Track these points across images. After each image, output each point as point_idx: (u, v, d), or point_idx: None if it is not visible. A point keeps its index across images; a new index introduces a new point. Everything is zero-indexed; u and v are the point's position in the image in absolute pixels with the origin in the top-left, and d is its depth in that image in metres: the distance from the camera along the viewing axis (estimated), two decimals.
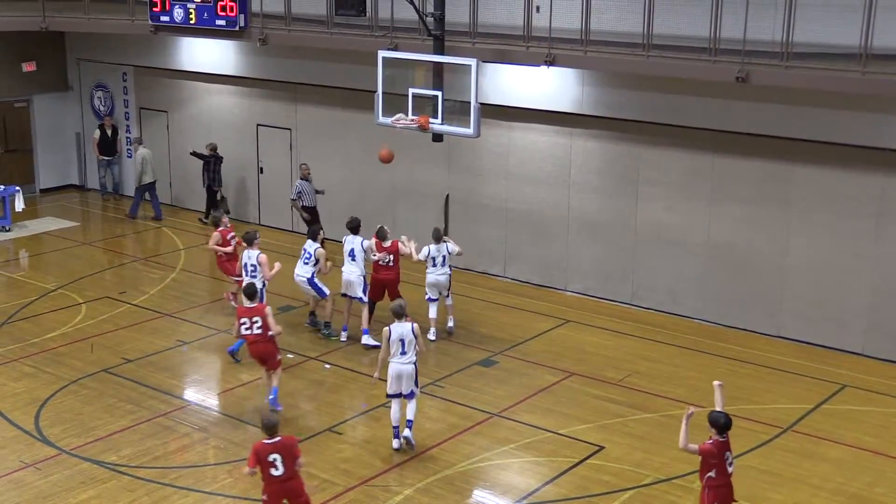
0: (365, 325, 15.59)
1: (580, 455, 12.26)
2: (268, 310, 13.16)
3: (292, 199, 20.04)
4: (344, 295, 15.72)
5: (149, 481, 11.65)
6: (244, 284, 14.15)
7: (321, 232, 15.93)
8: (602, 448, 12.44)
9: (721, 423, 9.63)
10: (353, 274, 15.54)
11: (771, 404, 13.74)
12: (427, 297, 15.82)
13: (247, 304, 13.28)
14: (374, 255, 15.52)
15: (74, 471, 11.90)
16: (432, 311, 15.81)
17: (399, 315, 12.31)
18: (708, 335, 16.26)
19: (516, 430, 12.97)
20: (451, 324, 16.13)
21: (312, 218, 19.41)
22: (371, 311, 15.86)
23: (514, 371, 14.85)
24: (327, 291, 15.77)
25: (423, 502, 11.30)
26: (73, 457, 12.23)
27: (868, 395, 14.06)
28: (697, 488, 11.40)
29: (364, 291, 15.57)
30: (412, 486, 11.61)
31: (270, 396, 13.31)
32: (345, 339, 15.77)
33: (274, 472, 9.78)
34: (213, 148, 22.03)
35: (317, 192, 19.91)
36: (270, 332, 13.00)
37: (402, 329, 12.23)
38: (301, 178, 19.84)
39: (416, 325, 12.38)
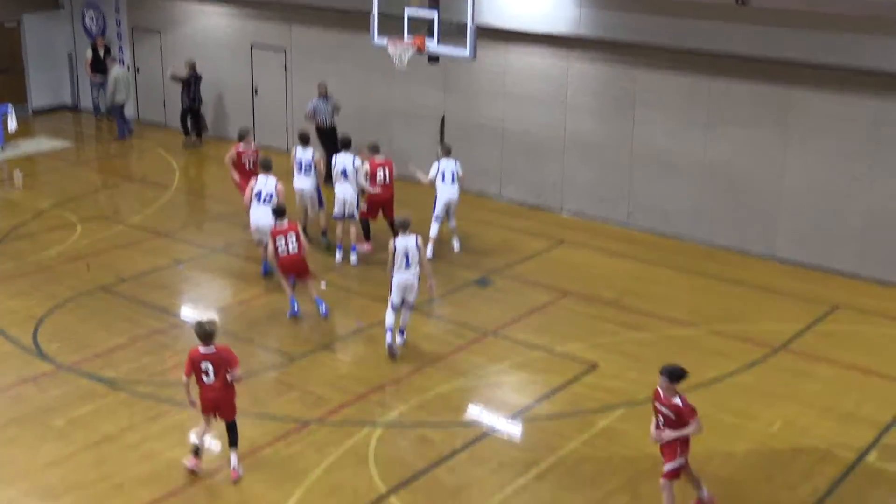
0: (354, 242, 15.58)
1: (574, 373, 12.29)
2: (298, 226, 13.66)
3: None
4: (337, 217, 15.59)
5: (146, 397, 11.65)
6: (274, 205, 13.96)
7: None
8: (596, 366, 12.47)
9: (678, 374, 8.99)
10: (346, 192, 15.41)
11: (764, 324, 13.76)
12: (435, 215, 15.77)
13: (279, 223, 13.47)
14: (369, 187, 15.41)
15: (73, 386, 11.88)
16: (433, 231, 15.83)
17: (404, 227, 12.44)
18: (703, 256, 16.21)
19: (511, 348, 12.99)
20: (457, 245, 16.12)
21: (329, 139, 18.93)
22: (366, 231, 15.83)
23: (508, 291, 14.84)
24: (324, 203, 15.92)
25: (418, 418, 11.32)
26: (72, 372, 12.20)
27: (860, 315, 14.06)
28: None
29: (357, 208, 15.50)
30: (407, 402, 11.64)
31: (322, 309, 13.57)
32: (339, 260, 15.70)
33: (205, 379, 9.82)
34: (192, 66, 21.57)
35: (335, 109, 19.34)
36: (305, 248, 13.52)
37: (406, 242, 12.36)
38: (318, 96, 19.28)
39: (419, 237, 12.51)
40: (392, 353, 12.54)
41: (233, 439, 10.12)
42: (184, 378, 9.98)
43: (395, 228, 12.42)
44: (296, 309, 13.61)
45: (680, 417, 8.93)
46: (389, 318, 12.58)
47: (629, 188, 17.36)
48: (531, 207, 18.40)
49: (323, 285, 14.79)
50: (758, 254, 16.15)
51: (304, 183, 15.89)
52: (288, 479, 10.08)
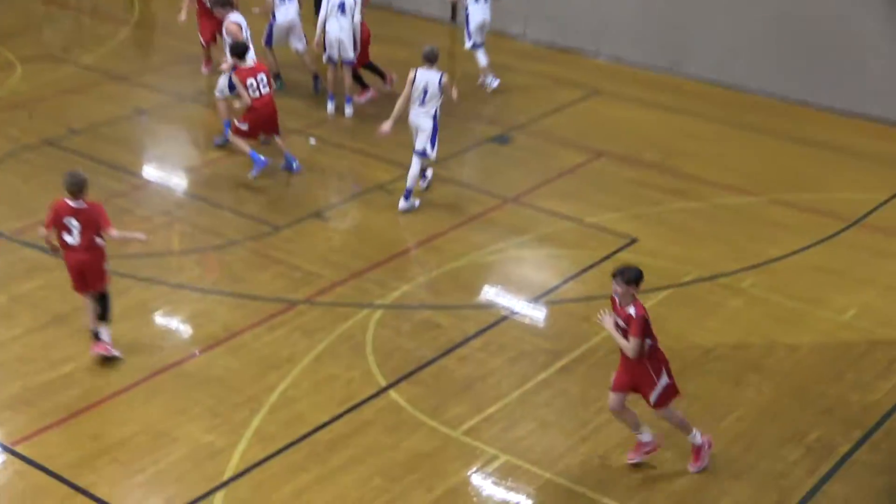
0: (349, 93, 15.29)
1: (608, 248, 12.16)
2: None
3: None
4: (329, 60, 15.19)
5: None
6: (240, 41, 13.72)
7: None
8: (635, 240, 12.34)
9: (635, 276, 8.39)
10: (343, 31, 14.95)
11: (839, 192, 13.53)
12: (472, 42, 15.87)
13: (244, 64, 13.35)
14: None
15: (16, 257, 11.78)
16: (482, 59, 16.01)
17: (430, 60, 12.50)
18: (764, 110, 15.89)
19: (534, 217, 12.87)
20: (493, 81, 16.23)
21: None
22: (376, 74, 15.75)
23: (532, 150, 14.63)
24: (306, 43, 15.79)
25: (423, 299, 11.23)
26: (14, 241, 12.07)
27: None
28: (747, 287, 11.41)
29: (355, 50, 15.09)
30: (411, 280, 11.52)
31: (294, 164, 13.57)
32: (331, 112, 15.41)
33: (68, 238, 9.73)
34: None
35: None
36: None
37: (428, 76, 12.45)
38: None
39: (446, 75, 12.55)
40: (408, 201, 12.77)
41: (103, 313, 10.02)
42: (41, 231, 9.90)
43: (423, 59, 12.49)
44: (263, 160, 13.31)
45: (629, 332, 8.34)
46: (412, 170, 12.73)
47: (677, 27, 16.91)
48: (560, 50, 18.00)
49: (312, 141, 14.55)
50: (832, 108, 15.82)
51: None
52: (271, 368, 10.03)
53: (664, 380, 8.48)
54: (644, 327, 8.27)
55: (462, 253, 12.08)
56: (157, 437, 9.06)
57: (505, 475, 8.73)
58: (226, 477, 8.61)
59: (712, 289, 11.45)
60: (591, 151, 14.55)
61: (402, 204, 12.76)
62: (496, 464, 8.85)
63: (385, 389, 9.78)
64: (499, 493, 8.59)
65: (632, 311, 8.30)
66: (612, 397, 8.61)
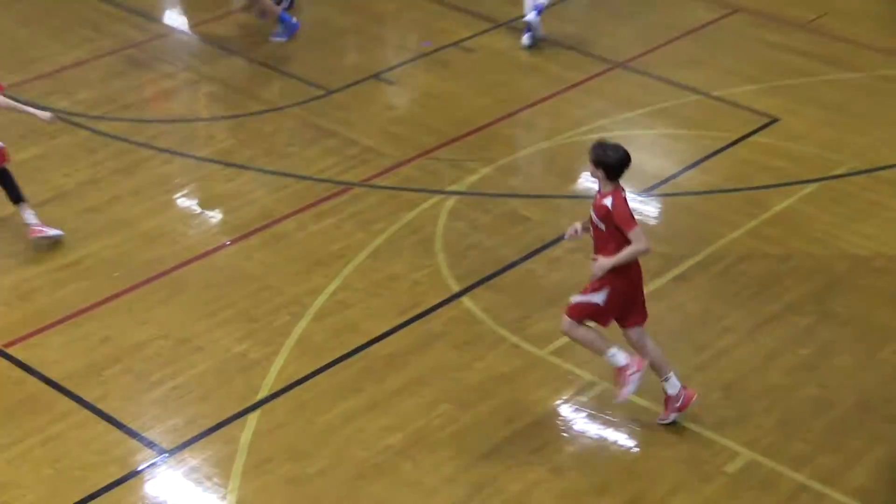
0: None
1: (741, 129, 12.05)
2: None
3: None
4: None
5: (116, 138, 11.62)
6: None
7: None
8: (775, 120, 12.21)
9: (615, 160, 7.82)
10: None
11: None
12: None
13: None
14: None
15: (9, 119, 11.74)
16: None
17: None
18: None
19: (648, 86, 12.80)
20: None
21: None
22: None
23: (648, 1, 14.60)
24: None
25: (507, 186, 11.20)
26: (9, 99, 12.13)
27: None
28: None
29: None
30: (492, 162, 11.46)
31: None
32: None
33: None
34: None
35: None
36: None
37: None
38: None
39: None
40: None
41: (12, 194, 9.98)
42: None
43: None
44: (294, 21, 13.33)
45: (605, 230, 7.91)
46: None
47: None
48: None
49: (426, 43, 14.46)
50: None
51: None
52: (318, 265, 10.04)
53: (596, 298, 8.02)
54: (629, 214, 7.77)
55: (557, 129, 12.05)
56: (179, 344, 9.13)
57: (602, 406, 8.63)
58: (260, 395, 8.66)
59: (870, 184, 11.27)
60: (724, 5, 14.46)
61: (524, 40, 13.08)
62: (592, 392, 8.78)
63: (457, 296, 9.75)
64: (594, 427, 8.51)
65: (608, 201, 7.84)
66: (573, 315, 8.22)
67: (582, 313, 8.09)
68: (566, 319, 8.11)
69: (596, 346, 8.15)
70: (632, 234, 7.78)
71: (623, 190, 7.84)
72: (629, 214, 7.80)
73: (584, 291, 8.08)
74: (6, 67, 12.61)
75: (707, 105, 12.48)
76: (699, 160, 11.63)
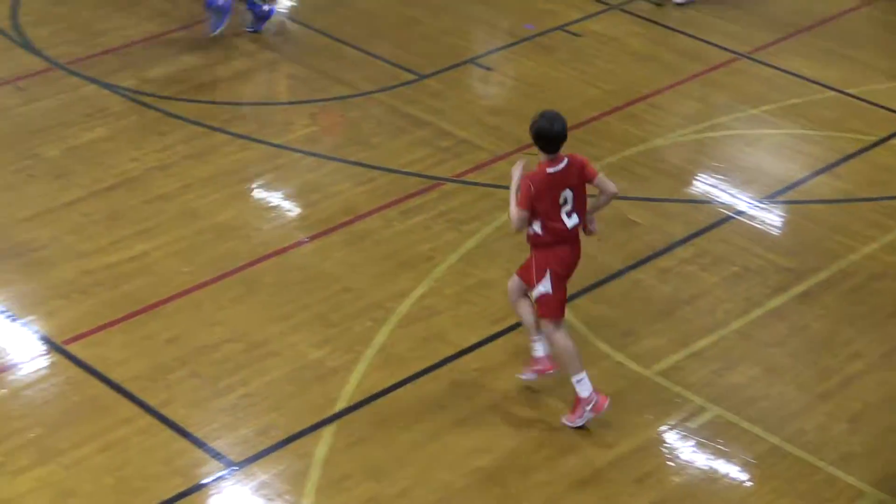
0: None
1: (879, 131, 12.00)
2: None
3: None
4: None
5: (190, 122, 11.77)
6: None
7: None
8: None
9: (552, 133, 8.18)
10: None
11: None
12: None
13: None
14: None
15: (75, 96, 12.06)
16: None
17: None
18: None
19: (775, 82, 12.77)
20: None
21: None
22: None
23: None
24: None
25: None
26: (73, 75, 12.38)
27: None
28: None
29: None
30: (599, 159, 11.35)
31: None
32: None
33: None
34: None
35: None
36: None
37: None
38: None
39: None
40: None
41: None
42: None
43: None
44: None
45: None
46: None
47: None
48: None
49: None
50: None
51: None
52: (404, 267, 10.13)
53: (542, 288, 8.38)
54: (524, 194, 8.16)
55: (671, 126, 12.04)
56: (251, 348, 9.23)
57: (714, 434, 8.67)
58: (338, 407, 8.73)
59: None
60: None
61: None
62: (703, 418, 8.80)
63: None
64: (703, 457, 8.52)
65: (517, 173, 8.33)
66: (512, 278, 8.71)
67: (548, 311, 8.48)
68: (547, 324, 8.52)
69: (572, 363, 8.51)
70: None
71: (550, 165, 8.17)
72: (519, 191, 8.23)
73: (531, 282, 8.47)
74: (71, 39, 12.84)
75: (842, 103, 12.43)
76: (831, 165, 11.59)
